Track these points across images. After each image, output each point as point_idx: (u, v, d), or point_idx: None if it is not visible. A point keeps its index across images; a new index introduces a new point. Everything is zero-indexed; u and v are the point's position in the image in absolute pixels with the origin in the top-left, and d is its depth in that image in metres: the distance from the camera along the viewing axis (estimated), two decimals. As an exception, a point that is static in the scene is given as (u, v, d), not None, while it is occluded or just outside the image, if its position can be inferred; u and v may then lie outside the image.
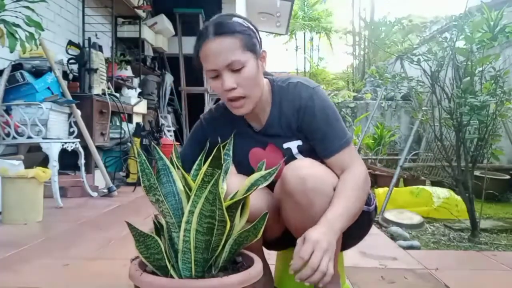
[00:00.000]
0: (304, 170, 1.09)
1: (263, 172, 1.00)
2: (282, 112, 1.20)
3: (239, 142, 1.22)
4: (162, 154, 0.96)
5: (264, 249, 1.31)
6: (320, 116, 1.16)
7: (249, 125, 1.26)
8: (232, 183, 1.08)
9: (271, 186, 1.19)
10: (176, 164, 0.98)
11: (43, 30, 2.54)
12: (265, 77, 1.24)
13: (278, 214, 1.19)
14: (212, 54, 1.10)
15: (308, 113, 1.17)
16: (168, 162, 0.96)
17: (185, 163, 1.15)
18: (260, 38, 1.18)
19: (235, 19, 1.14)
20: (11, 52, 2.38)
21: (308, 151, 1.21)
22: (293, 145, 1.22)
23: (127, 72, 5.18)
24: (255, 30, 1.16)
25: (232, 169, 1.18)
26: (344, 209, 1.07)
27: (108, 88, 4.12)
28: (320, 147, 1.18)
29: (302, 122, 1.18)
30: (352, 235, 1.19)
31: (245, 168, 1.24)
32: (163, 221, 0.95)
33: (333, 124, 1.17)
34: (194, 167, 1.02)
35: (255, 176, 0.99)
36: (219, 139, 1.00)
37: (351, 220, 1.09)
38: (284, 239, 1.26)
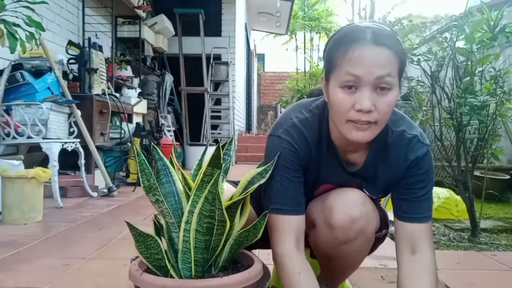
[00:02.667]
0: (356, 210, 1.02)
1: (259, 169, 0.99)
2: (385, 159, 1.05)
3: (315, 172, 1.07)
4: (162, 154, 0.96)
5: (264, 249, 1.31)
6: (426, 179, 1.05)
7: (339, 160, 1.07)
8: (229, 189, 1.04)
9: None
10: (176, 164, 0.98)
11: (44, 30, 2.54)
12: None
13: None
14: (366, 60, 0.89)
15: (416, 169, 1.04)
16: (168, 162, 0.96)
17: (298, 201, 1.01)
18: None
19: (391, 31, 0.95)
20: (12, 52, 2.38)
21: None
22: (374, 195, 1.11)
23: (127, 72, 5.18)
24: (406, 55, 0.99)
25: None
26: None
27: (108, 88, 4.12)
28: (406, 207, 1.05)
29: (404, 178, 1.05)
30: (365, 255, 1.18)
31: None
32: (163, 221, 0.95)
33: (429, 192, 1.06)
34: (194, 167, 1.02)
35: (252, 173, 0.99)
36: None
37: None
38: None
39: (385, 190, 1.11)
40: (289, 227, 1.00)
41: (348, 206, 1.02)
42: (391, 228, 1.15)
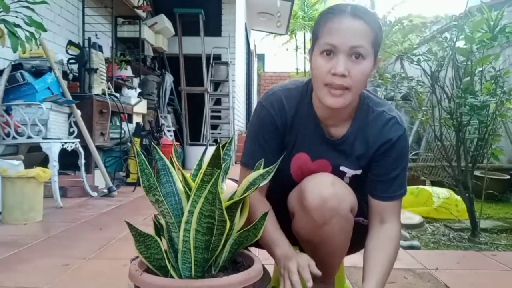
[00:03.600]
0: (326, 189, 1.06)
1: (261, 171, 0.99)
2: (363, 135, 1.13)
3: (292, 139, 1.16)
4: (162, 154, 0.96)
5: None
6: (398, 159, 1.13)
7: (319, 127, 1.15)
8: (230, 186, 1.07)
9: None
10: (176, 164, 0.98)
11: (45, 30, 2.54)
12: None
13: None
14: (341, 30, 1.00)
15: (390, 150, 1.12)
16: (168, 162, 0.96)
17: (269, 161, 1.06)
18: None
19: (373, 12, 1.07)
20: (14, 52, 2.37)
21: (357, 183, 1.18)
22: (351, 172, 1.17)
23: (127, 72, 5.18)
24: (383, 34, 1.09)
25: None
26: (386, 273, 1.09)
27: (108, 88, 4.12)
28: (378, 186, 1.15)
29: (379, 156, 1.13)
30: (352, 246, 1.19)
31: (285, 176, 1.17)
32: (163, 221, 0.95)
33: (402, 172, 1.15)
34: (194, 167, 1.02)
35: (254, 175, 0.99)
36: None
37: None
38: None
39: (359, 165, 1.17)
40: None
41: (319, 187, 1.07)
42: None
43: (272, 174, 0.99)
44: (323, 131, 1.15)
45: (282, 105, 1.14)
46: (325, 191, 1.06)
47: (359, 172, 1.17)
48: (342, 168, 1.16)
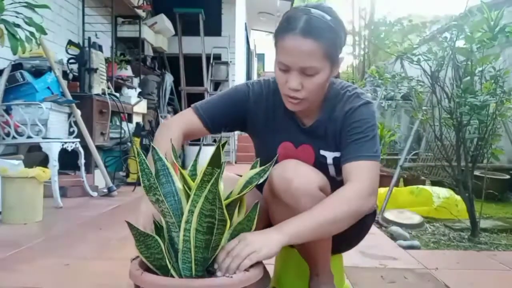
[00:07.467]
0: (290, 171, 1.09)
1: (257, 169, 0.99)
2: (332, 117, 1.19)
3: (273, 131, 1.23)
4: (161, 155, 0.96)
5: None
6: (359, 124, 1.15)
7: (293, 119, 1.23)
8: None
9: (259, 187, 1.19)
10: (175, 164, 0.97)
11: (45, 33, 2.54)
12: None
13: (267, 214, 1.19)
14: (291, 51, 1.05)
15: (351, 117, 1.15)
16: (167, 163, 0.96)
17: (211, 121, 1.17)
18: (344, 41, 1.13)
19: (329, 20, 1.07)
20: (14, 53, 2.37)
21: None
22: (330, 155, 1.20)
23: (127, 72, 5.18)
24: (343, 33, 1.11)
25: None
26: (308, 217, 1.01)
27: (108, 88, 4.12)
28: (343, 152, 1.16)
29: (345, 127, 1.16)
30: (343, 238, 1.18)
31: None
32: (163, 221, 0.95)
33: (366, 137, 1.14)
34: (189, 168, 1.02)
35: (250, 173, 0.99)
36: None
37: (321, 229, 1.02)
38: None
39: (336, 146, 1.20)
40: (187, 119, 1.22)
41: (283, 171, 1.10)
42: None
43: (268, 172, 0.99)
44: (297, 121, 1.22)
45: (260, 91, 1.24)
46: (289, 173, 1.08)
47: (338, 154, 1.19)
48: (322, 152, 1.21)
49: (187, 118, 1.22)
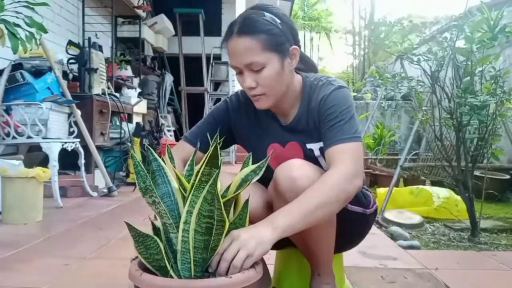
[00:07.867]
0: (295, 170, 1.09)
1: (252, 167, 0.99)
2: (310, 109, 1.21)
3: (259, 135, 1.27)
4: (156, 155, 0.95)
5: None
6: (334, 109, 1.15)
7: (275, 118, 1.27)
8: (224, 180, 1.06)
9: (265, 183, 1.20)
10: (169, 165, 0.97)
11: (46, 32, 2.54)
12: (298, 73, 1.25)
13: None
14: (233, 53, 1.12)
15: (325, 105, 1.16)
16: (162, 163, 0.96)
17: (201, 143, 1.19)
18: (293, 35, 1.16)
19: (266, 15, 1.12)
20: (15, 53, 2.37)
21: None
22: (316, 146, 1.21)
23: (127, 72, 5.18)
24: (287, 28, 1.14)
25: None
26: (296, 207, 0.99)
27: (108, 88, 4.13)
28: (324, 139, 1.16)
29: (319, 114, 1.17)
30: (345, 237, 1.18)
31: (267, 170, 1.16)
32: (160, 222, 0.95)
33: (342, 121, 1.13)
34: (186, 167, 1.01)
35: (246, 171, 0.99)
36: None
37: (311, 216, 0.99)
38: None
39: (319, 137, 1.20)
40: (181, 149, 1.28)
41: (288, 170, 1.10)
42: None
43: (263, 169, 0.98)
44: (279, 120, 1.26)
45: (238, 101, 1.30)
46: (294, 173, 1.09)
47: (322, 144, 1.19)
48: (308, 146, 1.22)
49: (181, 148, 1.29)
